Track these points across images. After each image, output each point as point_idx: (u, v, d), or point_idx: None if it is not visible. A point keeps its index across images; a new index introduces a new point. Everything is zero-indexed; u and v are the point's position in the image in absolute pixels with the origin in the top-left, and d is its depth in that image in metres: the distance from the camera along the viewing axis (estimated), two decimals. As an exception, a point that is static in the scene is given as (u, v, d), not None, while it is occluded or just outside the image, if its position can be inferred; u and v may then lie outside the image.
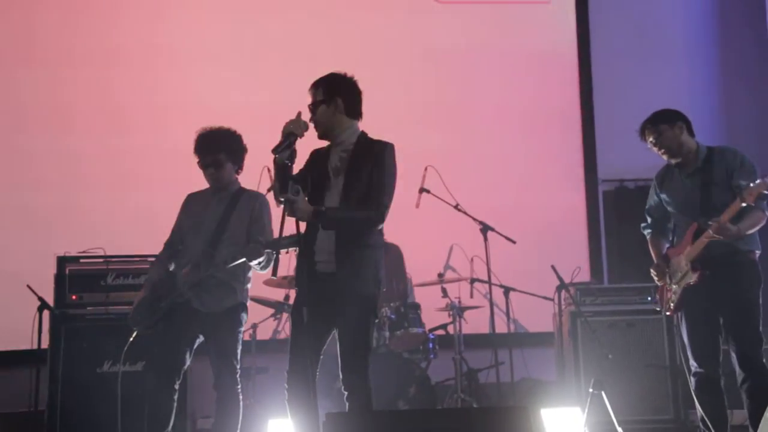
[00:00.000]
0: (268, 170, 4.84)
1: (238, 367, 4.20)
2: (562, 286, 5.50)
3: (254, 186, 4.48)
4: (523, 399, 5.46)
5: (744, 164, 4.13)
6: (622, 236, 6.66)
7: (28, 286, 4.99)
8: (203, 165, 4.30)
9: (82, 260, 5.20)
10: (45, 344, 4.94)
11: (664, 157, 4.27)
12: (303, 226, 3.54)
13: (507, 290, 5.68)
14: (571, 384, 5.46)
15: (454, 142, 6.63)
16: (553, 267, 5.40)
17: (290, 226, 3.56)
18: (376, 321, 3.78)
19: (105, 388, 4.74)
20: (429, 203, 5.64)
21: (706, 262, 4.08)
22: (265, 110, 5.57)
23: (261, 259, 4.02)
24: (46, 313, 4.96)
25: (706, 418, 4.12)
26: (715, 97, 7.01)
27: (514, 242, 5.55)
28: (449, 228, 6.00)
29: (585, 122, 6.83)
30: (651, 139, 4.23)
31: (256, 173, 4.61)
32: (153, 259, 4.55)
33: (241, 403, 4.17)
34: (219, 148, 4.27)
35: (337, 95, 3.71)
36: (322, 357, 3.68)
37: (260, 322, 5.55)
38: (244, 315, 4.27)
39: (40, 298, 4.98)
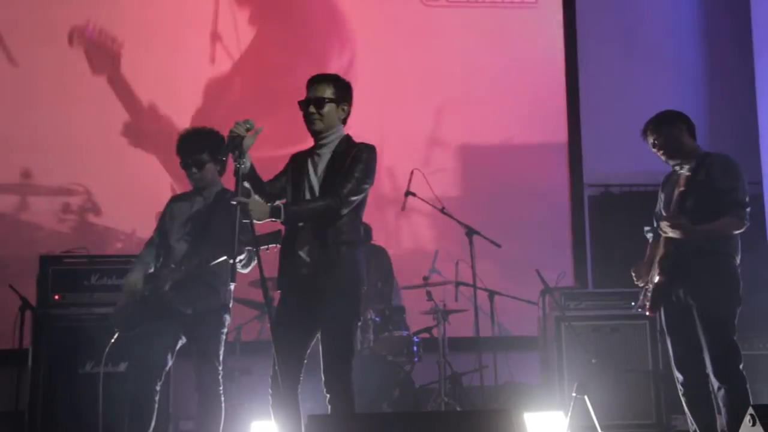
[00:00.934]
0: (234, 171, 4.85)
1: (221, 368, 4.18)
2: (546, 290, 5.51)
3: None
4: (506, 402, 5.48)
5: (727, 170, 4.11)
6: (607, 241, 6.71)
7: (10, 286, 4.97)
8: (185, 165, 4.29)
9: (65, 260, 5.18)
10: (27, 344, 4.90)
11: (662, 158, 4.26)
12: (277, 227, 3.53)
13: (492, 294, 5.70)
14: (554, 388, 5.48)
15: (438, 145, 6.63)
16: (537, 271, 5.41)
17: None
18: (360, 323, 3.78)
19: (87, 389, 4.72)
20: (415, 207, 5.64)
21: (677, 262, 4.05)
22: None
23: (242, 257, 4.00)
24: (28, 313, 4.93)
25: (695, 425, 4.11)
26: (700, 102, 7.05)
27: (499, 246, 5.55)
28: (435, 231, 6.02)
29: (571, 127, 6.84)
30: (651, 139, 4.24)
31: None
32: (134, 259, 4.52)
33: (223, 405, 4.15)
34: (201, 149, 4.26)
35: (344, 101, 3.74)
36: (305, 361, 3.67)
37: (245, 323, 5.53)
38: (227, 316, 4.25)
39: (23, 298, 4.96)
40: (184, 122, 5.91)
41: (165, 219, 4.38)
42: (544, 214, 6.65)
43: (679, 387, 4.15)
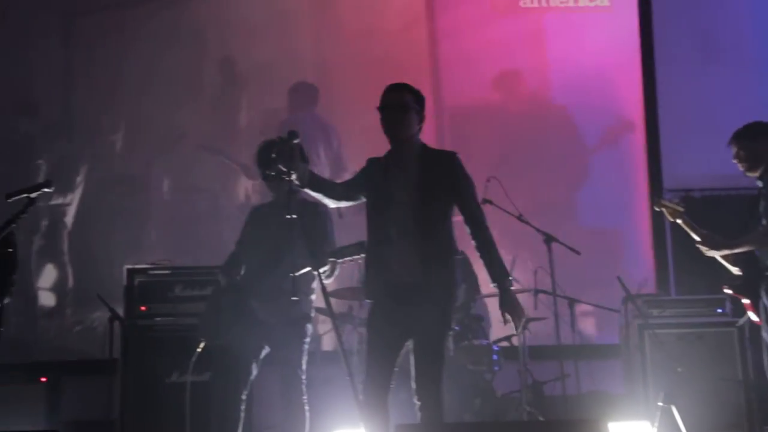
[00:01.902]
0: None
1: (304, 377, 4.23)
2: (628, 297, 5.42)
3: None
4: (590, 412, 5.38)
5: None
6: (690, 247, 6.52)
7: (99, 297, 5.12)
8: (265, 177, 4.36)
9: (150, 272, 5.31)
10: (116, 354, 5.05)
11: (741, 169, 4.30)
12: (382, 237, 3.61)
13: (572, 301, 5.62)
14: (639, 397, 5.36)
15: (516, 151, 6.58)
16: (619, 278, 5.33)
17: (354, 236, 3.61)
18: (451, 333, 3.80)
19: (174, 398, 4.80)
20: (490, 214, 5.59)
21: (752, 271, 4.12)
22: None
23: (325, 269, 4.05)
24: (117, 324, 5.07)
25: None
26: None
27: (578, 253, 5.48)
28: (511, 239, 5.96)
29: (649, 131, 6.71)
30: (734, 150, 4.29)
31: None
32: (218, 270, 4.61)
33: (307, 414, 4.20)
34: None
35: (421, 109, 3.80)
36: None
37: (324, 333, 5.58)
38: (309, 326, 4.31)
39: (111, 309, 5.10)
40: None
41: (247, 230, 4.47)
42: (623, 220, 6.54)
43: None
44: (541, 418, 5.24)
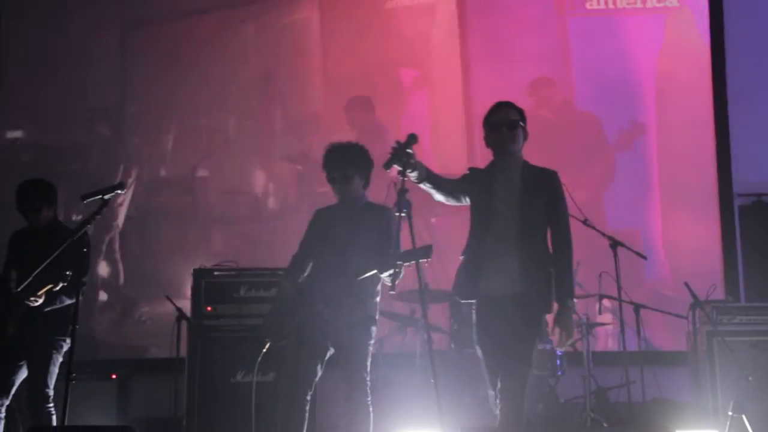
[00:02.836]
0: (394, 185, 4.90)
1: (368, 379, 4.25)
2: (696, 303, 5.30)
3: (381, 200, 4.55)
4: (654, 419, 5.28)
5: None
6: (760, 253, 6.37)
7: (168, 297, 5.23)
8: (332, 179, 4.41)
9: (216, 273, 5.40)
10: (183, 353, 5.15)
11: None
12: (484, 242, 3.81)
13: (637, 307, 5.53)
14: (707, 406, 5.24)
15: (580, 154, 6.52)
16: (687, 284, 5.22)
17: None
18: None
19: (239, 398, 4.88)
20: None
21: None
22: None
23: (391, 272, 4.06)
24: (184, 323, 5.17)
25: None
26: None
27: (645, 258, 5.39)
28: (577, 243, 5.89)
29: (719, 134, 6.57)
30: None
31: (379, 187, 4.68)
32: (282, 272, 4.66)
33: (371, 415, 4.21)
34: (347, 163, 4.37)
35: (525, 128, 3.98)
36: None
37: (386, 335, 5.60)
38: (373, 328, 4.32)
39: (178, 309, 5.20)
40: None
41: (312, 232, 4.51)
42: (691, 224, 6.41)
43: None
44: (605, 425, 5.17)
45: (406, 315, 5.62)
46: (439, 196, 3.94)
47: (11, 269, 4.54)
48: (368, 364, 4.27)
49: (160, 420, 5.19)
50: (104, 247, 6.49)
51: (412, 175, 3.68)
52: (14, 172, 5.85)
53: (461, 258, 3.96)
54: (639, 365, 5.31)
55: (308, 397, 4.24)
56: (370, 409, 4.22)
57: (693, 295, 5.27)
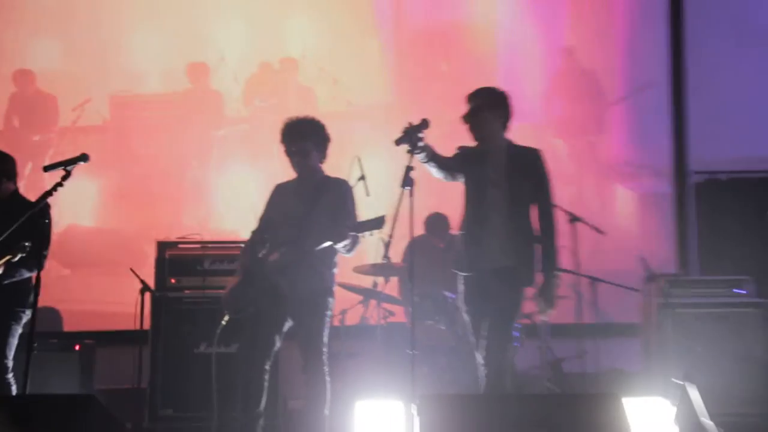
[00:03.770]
0: (359, 159, 5.01)
1: (325, 349, 4.32)
2: (650, 277, 5.44)
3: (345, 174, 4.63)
4: (607, 388, 5.43)
5: None
6: (714, 229, 6.52)
7: (132, 270, 5.25)
8: (289, 153, 4.45)
9: (180, 245, 5.44)
10: (147, 325, 5.19)
11: None
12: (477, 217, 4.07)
13: (593, 280, 5.67)
14: (657, 375, 5.40)
15: (539, 130, 6.61)
16: (642, 258, 5.36)
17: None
18: None
19: (202, 369, 4.91)
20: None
21: None
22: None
23: (346, 242, 4.13)
24: (148, 295, 5.21)
25: None
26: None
27: (603, 233, 5.52)
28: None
29: (675, 114, 6.69)
30: None
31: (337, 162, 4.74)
32: (242, 247, 4.70)
33: (328, 385, 4.28)
34: (305, 137, 4.41)
35: (498, 109, 4.20)
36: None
37: (349, 308, 5.68)
38: (330, 299, 4.37)
39: (143, 281, 5.22)
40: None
41: (270, 206, 4.55)
42: (647, 201, 6.55)
43: None
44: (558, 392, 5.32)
45: (368, 288, 5.70)
46: (438, 174, 4.15)
47: None
48: (325, 334, 4.32)
49: (124, 391, 5.23)
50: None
51: (419, 156, 3.93)
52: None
53: (460, 234, 4.18)
54: (593, 336, 5.47)
55: (267, 367, 4.29)
56: (327, 378, 4.28)
57: (647, 268, 5.41)
